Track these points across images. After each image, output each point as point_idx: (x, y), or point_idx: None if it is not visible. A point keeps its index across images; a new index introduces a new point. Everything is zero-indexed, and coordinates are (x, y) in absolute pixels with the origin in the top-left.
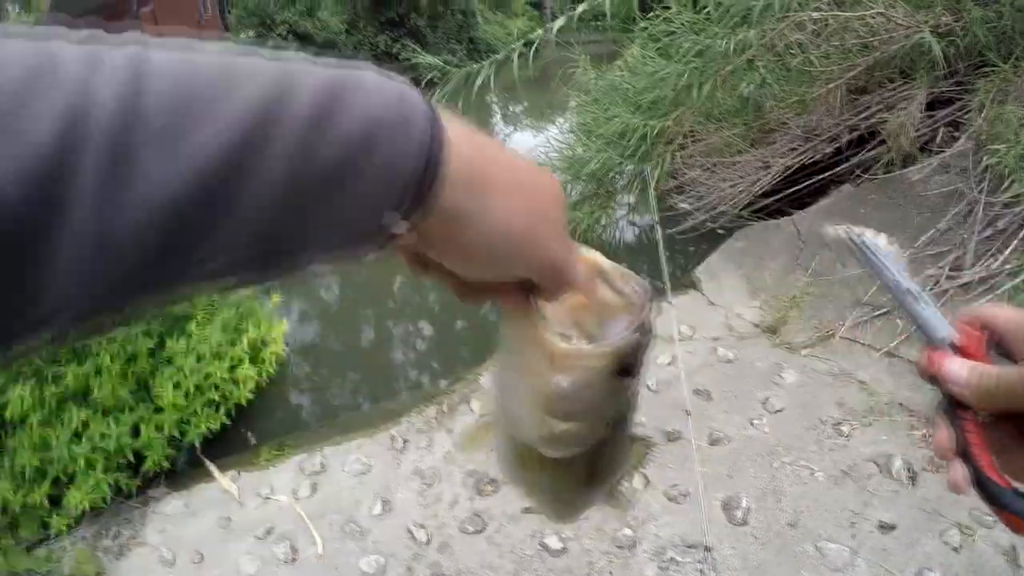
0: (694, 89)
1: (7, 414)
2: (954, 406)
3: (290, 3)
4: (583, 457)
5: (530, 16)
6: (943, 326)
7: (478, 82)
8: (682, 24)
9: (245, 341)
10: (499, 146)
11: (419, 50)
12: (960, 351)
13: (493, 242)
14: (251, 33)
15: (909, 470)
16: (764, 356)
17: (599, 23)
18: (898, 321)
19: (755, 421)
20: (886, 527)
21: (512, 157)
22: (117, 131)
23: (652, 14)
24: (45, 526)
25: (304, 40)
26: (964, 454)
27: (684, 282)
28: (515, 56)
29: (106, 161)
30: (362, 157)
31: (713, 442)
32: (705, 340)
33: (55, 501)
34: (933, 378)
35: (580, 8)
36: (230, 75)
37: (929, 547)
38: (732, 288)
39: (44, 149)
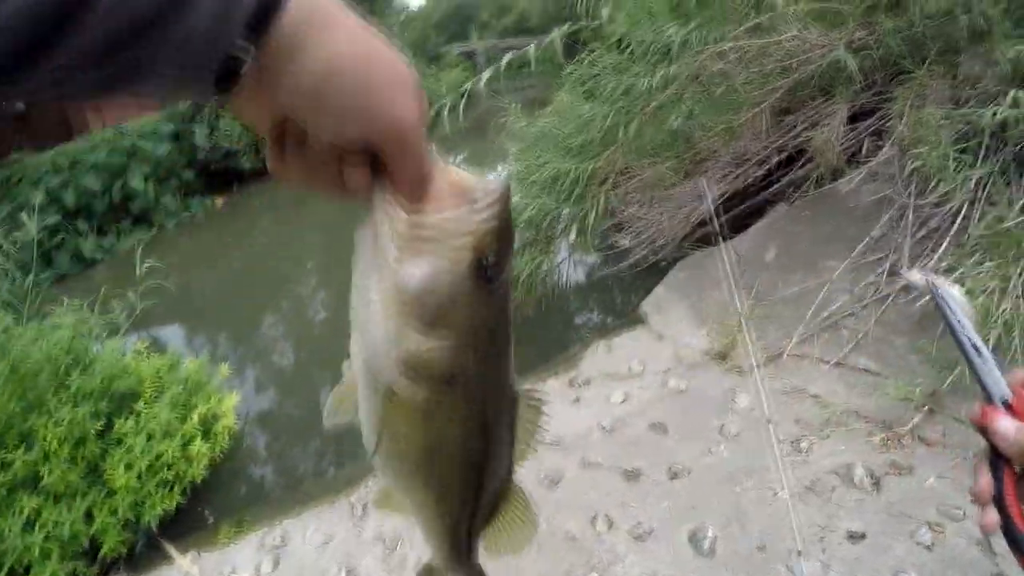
0: (621, 129)
1: None
2: (998, 458)
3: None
4: (458, 408)
5: (464, 67)
6: (1000, 384)
7: None
8: (606, 66)
9: (196, 417)
10: (354, 15)
11: None
12: (1012, 410)
13: (330, 68)
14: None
15: (871, 476)
16: (716, 382)
17: (528, 71)
18: (844, 332)
19: (713, 448)
20: (855, 536)
21: (363, 24)
22: None
23: (578, 58)
24: None
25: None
26: (999, 502)
27: (632, 318)
28: (444, 110)
29: None
30: None
31: (673, 476)
32: (656, 374)
33: None
34: (983, 430)
35: (506, 58)
36: None
37: (900, 550)
38: (679, 319)
39: None
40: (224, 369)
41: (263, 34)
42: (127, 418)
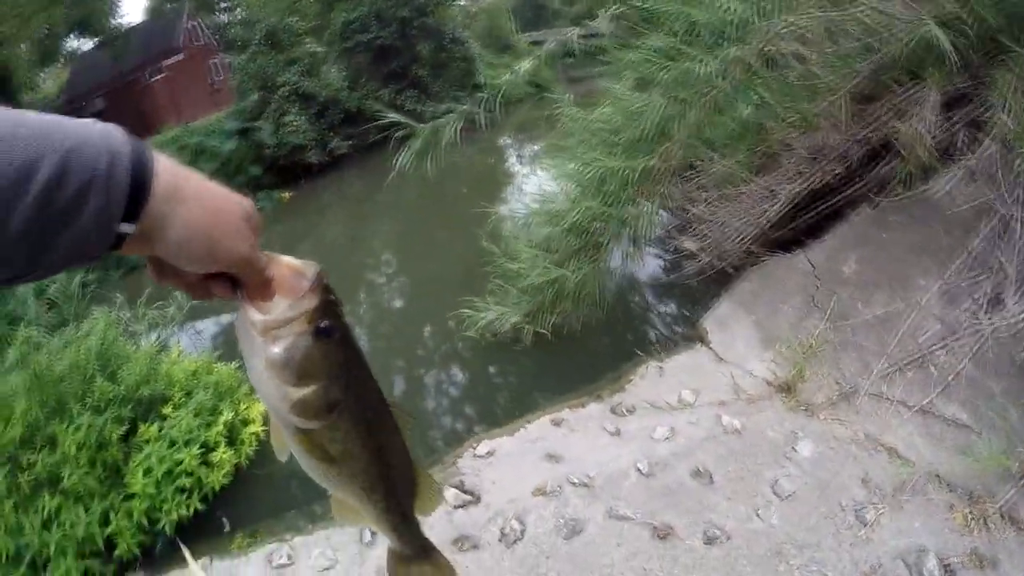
0: (677, 121)
1: None
2: None
3: (289, 64)
4: (346, 423)
5: (536, 56)
6: None
7: (446, 136)
8: (654, 52)
9: (221, 423)
10: (199, 178)
11: (424, 100)
12: None
13: (186, 234)
14: (255, 96)
15: (946, 569)
16: (777, 422)
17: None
18: (932, 369)
19: (761, 511)
20: None
21: (207, 184)
22: None
23: (627, 45)
24: None
25: (307, 99)
26: None
27: (691, 335)
28: (481, 106)
29: None
30: (91, 186)
31: (709, 540)
32: (710, 406)
33: None
34: None
35: (545, 48)
36: (8, 142)
37: None
38: (744, 338)
39: None
40: None
41: (138, 216)
42: (153, 422)
